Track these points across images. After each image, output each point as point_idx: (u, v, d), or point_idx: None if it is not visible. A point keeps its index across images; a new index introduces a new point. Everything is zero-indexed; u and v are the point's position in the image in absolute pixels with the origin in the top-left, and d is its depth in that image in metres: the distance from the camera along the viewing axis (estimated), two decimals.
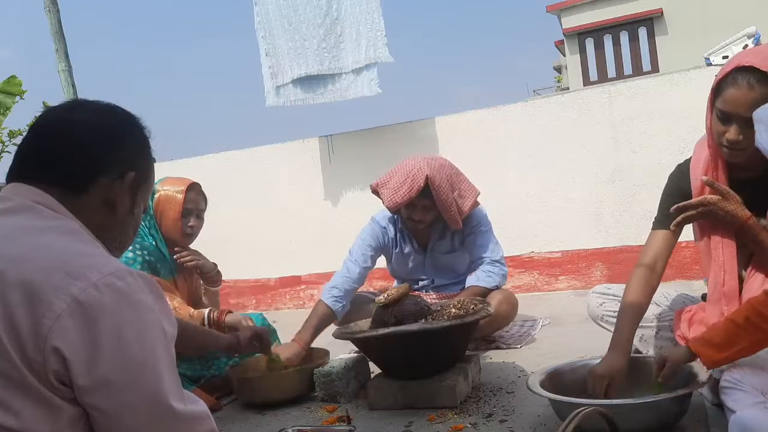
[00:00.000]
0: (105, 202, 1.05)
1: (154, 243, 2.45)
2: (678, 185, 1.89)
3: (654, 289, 1.87)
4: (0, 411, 0.85)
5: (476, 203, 2.84)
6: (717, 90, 1.66)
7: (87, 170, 1.04)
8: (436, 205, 2.70)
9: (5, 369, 0.85)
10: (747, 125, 1.60)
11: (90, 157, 1.04)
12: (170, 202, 2.45)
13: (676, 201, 1.81)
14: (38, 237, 0.93)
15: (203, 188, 2.60)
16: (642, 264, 1.88)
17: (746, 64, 1.59)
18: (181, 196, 2.46)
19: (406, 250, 2.95)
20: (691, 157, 1.88)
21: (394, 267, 3.03)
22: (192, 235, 2.53)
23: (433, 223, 2.84)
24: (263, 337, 2.16)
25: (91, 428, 0.91)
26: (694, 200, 1.76)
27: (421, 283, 3.01)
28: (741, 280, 1.76)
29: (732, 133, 1.64)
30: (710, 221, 1.79)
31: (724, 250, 1.77)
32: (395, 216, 2.92)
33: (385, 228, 2.93)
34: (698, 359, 1.57)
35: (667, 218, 1.83)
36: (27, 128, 1.10)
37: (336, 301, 2.66)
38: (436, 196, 2.66)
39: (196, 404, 0.98)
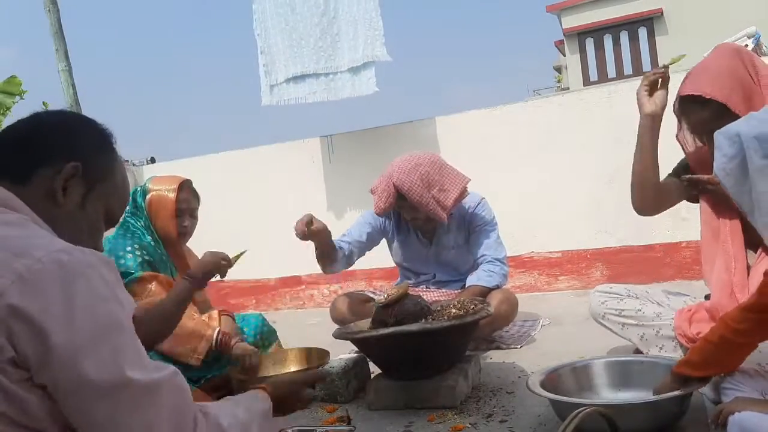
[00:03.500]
0: (47, 194, 1.04)
1: (152, 243, 2.44)
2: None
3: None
4: None
5: (464, 193, 2.82)
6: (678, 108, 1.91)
7: (24, 160, 1.04)
8: None
9: None
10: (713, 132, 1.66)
11: (27, 147, 1.05)
12: (163, 202, 2.44)
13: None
14: None
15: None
16: None
17: (684, 94, 1.89)
18: (173, 195, 2.45)
19: (410, 240, 2.98)
20: None
21: (397, 255, 3.07)
22: (187, 234, 2.54)
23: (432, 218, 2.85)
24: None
25: (29, 408, 0.87)
26: (705, 176, 1.90)
27: (422, 277, 3.02)
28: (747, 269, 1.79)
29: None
30: (716, 213, 1.85)
31: (732, 239, 1.79)
32: None
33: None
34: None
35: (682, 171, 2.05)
36: None
37: (338, 242, 2.78)
38: (409, 199, 2.71)
39: (159, 371, 0.94)
